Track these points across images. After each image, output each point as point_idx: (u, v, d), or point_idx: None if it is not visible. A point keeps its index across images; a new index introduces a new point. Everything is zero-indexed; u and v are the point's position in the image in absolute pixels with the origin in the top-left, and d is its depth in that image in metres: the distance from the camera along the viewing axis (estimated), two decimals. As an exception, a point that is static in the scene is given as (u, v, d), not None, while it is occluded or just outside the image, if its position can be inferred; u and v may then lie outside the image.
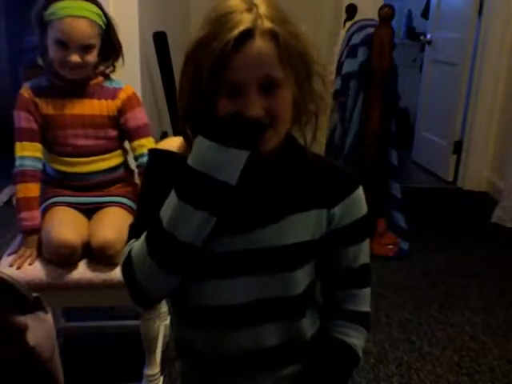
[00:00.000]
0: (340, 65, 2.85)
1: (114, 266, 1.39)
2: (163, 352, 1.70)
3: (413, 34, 5.18)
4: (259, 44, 0.74)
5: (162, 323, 1.72)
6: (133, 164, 1.61)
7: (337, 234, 0.87)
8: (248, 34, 0.74)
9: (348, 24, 3.07)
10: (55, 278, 1.39)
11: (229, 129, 0.76)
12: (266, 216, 0.83)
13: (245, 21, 0.74)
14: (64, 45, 1.40)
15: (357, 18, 3.13)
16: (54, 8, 1.39)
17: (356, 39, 2.67)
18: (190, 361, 0.95)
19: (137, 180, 1.64)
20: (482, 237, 3.02)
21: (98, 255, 1.40)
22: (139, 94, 1.64)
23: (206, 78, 0.76)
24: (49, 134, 1.50)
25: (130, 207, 1.53)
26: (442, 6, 4.06)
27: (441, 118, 4.04)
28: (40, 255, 1.43)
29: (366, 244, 0.91)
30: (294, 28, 0.79)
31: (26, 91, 1.48)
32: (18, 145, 1.47)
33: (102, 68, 1.53)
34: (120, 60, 1.55)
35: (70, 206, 1.49)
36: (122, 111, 1.51)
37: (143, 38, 2.38)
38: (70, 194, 1.51)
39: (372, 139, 2.62)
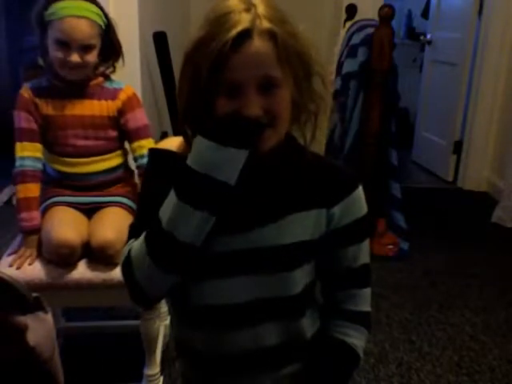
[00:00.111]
0: (340, 65, 2.85)
1: (114, 265, 1.39)
2: (163, 352, 1.70)
3: (413, 34, 5.18)
4: (257, 44, 0.74)
5: (161, 323, 1.72)
6: (133, 164, 1.61)
7: (336, 234, 0.87)
8: (246, 34, 0.74)
9: (348, 24, 3.07)
10: (55, 278, 1.39)
11: (227, 128, 0.76)
12: (265, 215, 0.83)
13: (243, 21, 0.74)
14: (64, 45, 1.40)
15: (357, 18, 3.13)
16: (54, 8, 1.39)
17: (356, 39, 2.67)
18: (190, 361, 0.95)
19: (137, 180, 1.64)
20: (482, 237, 3.02)
21: (97, 255, 1.40)
22: (139, 94, 1.65)
23: (204, 78, 0.76)
24: (49, 135, 1.50)
25: (129, 207, 1.53)
26: (442, 5, 4.06)
27: (441, 117, 4.04)
28: (40, 255, 1.43)
29: (366, 244, 0.91)
30: (293, 28, 0.79)
31: (25, 91, 1.48)
32: (18, 145, 1.47)
33: (102, 69, 1.53)
34: (120, 61, 1.55)
35: (70, 206, 1.49)
36: (122, 112, 1.51)
37: (143, 38, 2.38)
38: (71, 194, 1.51)
39: (372, 139, 2.62)
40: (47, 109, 1.48)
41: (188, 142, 0.82)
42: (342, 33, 3.09)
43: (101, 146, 1.52)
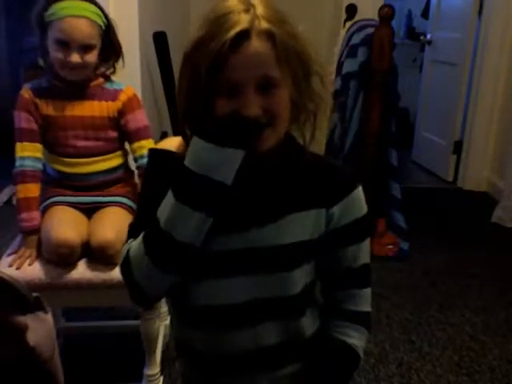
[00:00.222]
0: (340, 65, 2.85)
1: (114, 265, 1.39)
2: (163, 352, 1.70)
3: (413, 33, 5.18)
4: (256, 44, 0.75)
5: (162, 323, 1.72)
6: (133, 165, 1.61)
7: (336, 234, 0.87)
8: (245, 35, 0.74)
9: (348, 24, 3.07)
10: (55, 278, 1.39)
11: (226, 128, 0.76)
12: (264, 215, 0.83)
13: (242, 21, 0.74)
14: (64, 45, 1.40)
15: (357, 18, 3.13)
16: (54, 8, 1.39)
17: (356, 39, 2.67)
18: (190, 361, 0.95)
19: (137, 180, 1.64)
20: (482, 237, 3.02)
21: (97, 255, 1.40)
22: (139, 94, 1.65)
23: (203, 78, 0.76)
24: (49, 135, 1.50)
25: (129, 207, 1.53)
26: (442, 5, 4.06)
27: (441, 117, 4.04)
28: (40, 255, 1.43)
29: (366, 244, 0.91)
30: (292, 28, 0.79)
31: (26, 92, 1.48)
32: (18, 145, 1.48)
33: (102, 69, 1.53)
34: (120, 61, 1.55)
35: (70, 206, 1.49)
36: (122, 113, 1.52)
37: (143, 38, 2.38)
38: (71, 194, 1.51)
39: (372, 139, 2.62)
40: (47, 109, 1.48)
41: (187, 142, 0.83)
42: (342, 33, 3.09)
43: (101, 146, 1.52)
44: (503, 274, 2.54)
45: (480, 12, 3.64)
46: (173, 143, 0.87)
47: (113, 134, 1.53)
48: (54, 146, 1.51)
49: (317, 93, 0.83)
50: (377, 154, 2.64)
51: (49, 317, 0.77)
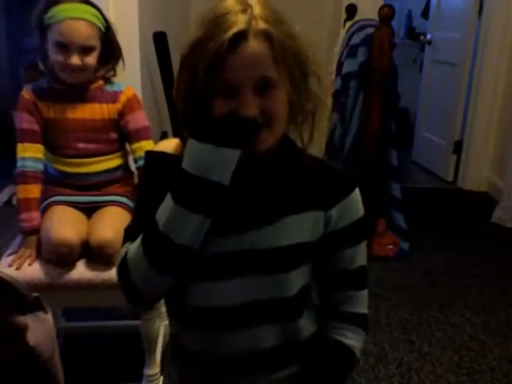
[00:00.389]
0: (340, 65, 2.85)
1: (114, 265, 1.39)
2: (163, 352, 1.70)
3: (413, 34, 5.18)
4: (253, 45, 0.75)
5: (162, 323, 1.72)
6: (133, 165, 1.61)
7: (334, 237, 0.87)
8: (242, 35, 0.74)
9: (348, 24, 3.07)
10: (55, 278, 1.39)
11: (223, 129, 0.76)
12: (261, 217, 0.83)
13: (239, 22, 0.74)
14: (64, 47, 1.40)
15: (357, 18, 3.13)
16: (53, 11, 1.39)
17: (356, 39, 2.67)
18: (187, 362, 0.95)
19: (136, 181, 1.64)
20: (482, 237, 3.02)
21: (96, 254, 1.40)
22: (139, 94, 1.65)
23: (201, 79, 0.76)
24: (50, 137, 1.50)
25: (129, 207, 1.53)
26: (442, 5, 4.06)
27: (441, 117, 4.04)
28: (39, 255, 1.43)
29: (363, 246, 0.91)
30: (289, 28, 0.79)
31: (27, 93, 1.48)
32: (19, 146, 1.48)
33: (102, 72, 1.53)
34: (120, 64, 1.55)
35: (70, 205, 1.50)
36: (122, 114, 1.52)
37: (143, 38, 2.38)
38: (71, 193, 1.52)
39: (372, 139, 2.62)
40: (48, 112, 1.48)
41: (185, 144, 0.83)
42: (342, 33, 3.09)
43: (102, 148, 1.53)
44: (503, 274, 2.54)
45: (480, 12, 3.64)
46: (170, 145, 0.87)
47: (113, 135, 1.54)
48: (54, 147, 1.51)
49: (314, 93, 0.83)
50: (377, 154, 2.64)
51: (49, 317, 0.77)
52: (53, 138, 1.50)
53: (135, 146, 1.54)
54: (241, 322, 0.86)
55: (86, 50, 1.42)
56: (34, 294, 0.75)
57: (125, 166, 1.62)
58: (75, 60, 1.41)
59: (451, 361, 1.87)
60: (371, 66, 2.54)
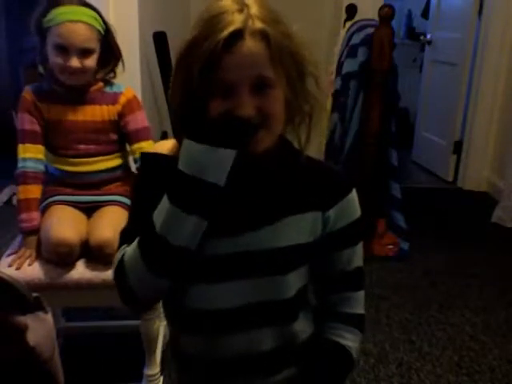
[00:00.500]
0: (340, 65, 2.85)
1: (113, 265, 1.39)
2: (163, 352, 1.70)
3: (413, 34, 5.18)
4: (249, 44, 0.74)
5: (162, 323, 1.72)
6: (133, 166, 1.61)
7: (331, 238, 0.87)
8: (238, 35, 0.74)
9: (348, 24, 3.07)
10: (55, 278, 1.39)
11: (219, 129, 0.76)
12: (259, 218, 0.83)
13: (235, 21, 0.74)
14: (63, 49, 1.40)
15: (357, 18, 3.12)
16: (52, 14, 1.39)
17: (356, 39, 2.67)
18: (184, 364, 0.94)
19: (136, 181, 1.65)
20: (482, 237, 3.02)
21: (96, 254, 1.40)
22: (139, 94, 1.65)
23: (197, 79, 0.76)
24: (50, 138, 1.51)
25: (129, 206, 1.53)
26: (442, 5, 4.06)
27: (441, 117, 4.04)
28: (39, 256, 1.43)
29: (360, 247, 0.91)
30: (286, 28, 0.79)
31: (27, 94, 1.49)
32: (20, 147, 1.48)
33: (101, 74, 1.53)
34: (120, 65, 1.55)
35: (70, 205, 1.50)
36: (122, 115, 1.52)
37: (143, 38, 2.38)
38: (70, 193, 1.52)
39: (372, 139, 2.62)
40: (49, 114, 1.49)
41: (181, 144, 0.82)
42: (342, 33, 3.09)
43: (102, 148, 1.53)
44: (503, 274, 2.54)
45: (480, 12, 3.64)
46: (165, 146, 0.87)
47: (113, 136, 1.54)
48: (55, 148, 1.52)
49: (312, 94, 0.82)
50: (377, 154, 2.64)
51: (49, 317, 0.77)
52: (53, 139, 1.51)
53: (135, 146, 1.54)
54: (238, 325, 0.86)
55: (85, 53, 1.42)
56: (34, 294, 0.75)
57: (125, 166, 1.62)
58: (74, 62, 1.41)
59: (451, 361, 1.87)
60: (371, 66, 2.54)
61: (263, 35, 0.75)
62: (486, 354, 1.92)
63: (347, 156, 2.71)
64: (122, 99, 1.52)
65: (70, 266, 1.41)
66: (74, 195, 1.52)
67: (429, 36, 4.17)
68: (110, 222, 1.43)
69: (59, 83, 1.47)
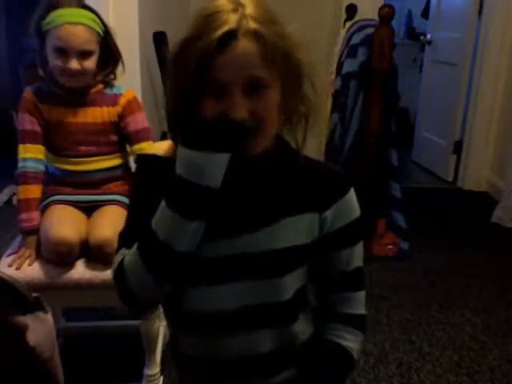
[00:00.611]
0: (340, 65, 2.85)
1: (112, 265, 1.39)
2: (163, 352, 1.70)
3: (413, 34, 5.18)
4: (243, 44, 0.74)
5: (162, 323, 1.72)
6: (133, 166, 1.61)
7: (329, 238, 0.86)
8: (232, 35, 0.73)
9: (348, 24, 3.07)
10: (55, 278, 1.39)
11: (211, 133, 0.75)
12: (257, 219, 0.83)
13: (229, 21, 0.73)
14: (63, 52, 1.41)
15: (357, 18, 3.12)
16: (51, 17, 1.40)
17: (356, 39, 2.67)
18: (184, 365, 0.94)
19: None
20: (482, 237, 3.02)
21: (95, 253, 1.40)
22: (139, 94, 1.65)
23: (191, 79, 0.75)
24: (51, 139, 1.51)
25: (128, 206, 1.53)
26: (442, 5, 4.06)
27: (441, 117, 4.04)
28: (39, 256, 1.43)
29: (360, 247, 0.90)
30: (282, 29, 0.78)
31: (28, 95, 1.49)
32: (20, 147, 1.49)
33: (101, 76, 1.52)
34: (120, 67, 1.55)
35: (70, 204, 1.50)
36: (122, 116, 1.53)
37: (143, 39, 2.38)
38: (70, 192, 1.52)
39: (372, 139, 2.62)
40: (49, 115, 1.49)
41: (177, 145, 0.81)
42: (342, 33, 3.09)
43: (102, 149, 1.54)
44: (503, 274, 2.54)
45: (480, 12, 3.64)
46: (161, 147, 0.87)
47: (114, 137, 1.55)
48: (55, 149, 1.52)
49: (307, 96, 0.82)
50: (377, 154, 2.64)
51: (49, 317, 0.77)
52: (54, 140, 1.51)
53: (136, 147, 1.54)
54: (236, 327, 0.86)
55: (84, 55, 1.43)
56: (34, 294, 0.75)
57: (125, 165, 1.62)
58: (74, 64, 1.41)
59: (451, 361, 1.87)
60: (371, 66, 2.54)
61: (257, 36, 0.74)
62: (486, 354, 1.92)
63: (347, 156, 2.70)
64: (122, 100, 1.52)
65: (70, 265, 1.41)
66: (73, 195, 1.52)
67: (429, 36, 4.17)
68: (110, 222, 1.43)
69: (59, 85, 1.47)
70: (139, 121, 1.54)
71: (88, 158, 1.52)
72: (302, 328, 0.91)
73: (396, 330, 2.04)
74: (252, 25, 0.74)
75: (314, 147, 0.89)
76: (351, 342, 0.90)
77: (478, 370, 1.83)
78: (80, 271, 1.41)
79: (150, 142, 1.55)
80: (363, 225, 0.90)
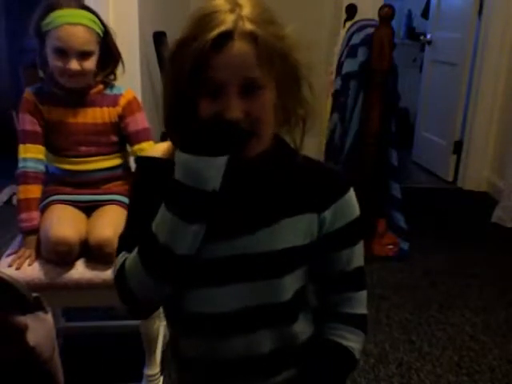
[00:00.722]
0: (340, 65, 2.85)
1: (113, 265, 1.39)
2: (163, 352, 1.70)
3: (413, 33, 5.18)
4: (239, 45, 0.74)
5: (162, 323, 1.72)
6: (134, 166, 1.61)
7: (329, 238, 0.86)
8: (228, 35, 0.73)
9: (348, 24, 3.07)
10: (55, 278, 1.39)
11: (207, 135, 0.75)
12: (256, 220, 0.82)
13: (226, 22, 0.73)
14: (62, 52, 1.41)
15: (357, 18, 3.12)
16: (51, 18, 1.40)
17: (356, 39, 2.67)
18: (184, 366, 0.94)
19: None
20: (482, 237, 3.02)
21: (95, 253, 1.40)
22: (139, 94, 1.65)
23: (186, 78, 0.75)
24: (51, 139, 1.51)
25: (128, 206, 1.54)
26: (442, 5, 4.06)
27: (441, 117, 4.04)
28: (39, 256, 1.43)
29: (360, 247, 0.90)
30: (279, 30, 0.78)
31: (29, 95, 1.49)
32: (21, 147, 1.49)
33: (101, 76, 1.52)
34: (120, 67, 1.56)
35: (70, 204, 1.50)
36: (122, 116, 1.53)
37: (143, 38, 2.38)
38: (70, 192, 1.52)
39: (372, 139, 2.62)
40: (49, 116, 1.49)
41: (176, 146, 0.81)
42: (342, 33, 3.09)
43: (102, 150, 1.54)
44: (503, 274, 2.54)
45: (480, 12, 3.64)
46: (160, 148, 0.87)
47: (114, 138, 1.55)
48: (56, 149, 1.52)
49: (305, 99, 0.81)
50: (377, 154, 2.64)
51: (49, 317, 0.77)
52: (54, 140, 1.51)
53: (136, 147, 1.54)
54: (237, 328, 0.86)
55: (84, 55, 1.43)
56: (34, 294, 0.75)
57: (125, 165, 1.63)
58: (74, 65, 1.41)
59: (451, 361, 1.87)
60: (371, 66, 2.54)
61: (253, 37, 0.74)
62: (486, 354, 1.92)
63: (347, 156, 2.71)
64: (122, 101, 1.53)
65: (70, 265, 1.41)
66: (73, 194, 1.52)
67: (429, 36, 4.17)
68: (110, 221, 1.43)
69: (59, 86, 1.48)
70: (139, 121, 1.54)
71: (88, 157, 1.52)
72: (302, 328, 0.91)
73: (396, 330, 2.04)
74: (248, 26, 0.74)
75: (313, 147, 0.89)
76: (353, 341, 0.90)
77: (478, 370, 1.83)
78: (80, 271, 1.41)
79: (151, 142, 1.55)
80: (363, 225, 0.90)
